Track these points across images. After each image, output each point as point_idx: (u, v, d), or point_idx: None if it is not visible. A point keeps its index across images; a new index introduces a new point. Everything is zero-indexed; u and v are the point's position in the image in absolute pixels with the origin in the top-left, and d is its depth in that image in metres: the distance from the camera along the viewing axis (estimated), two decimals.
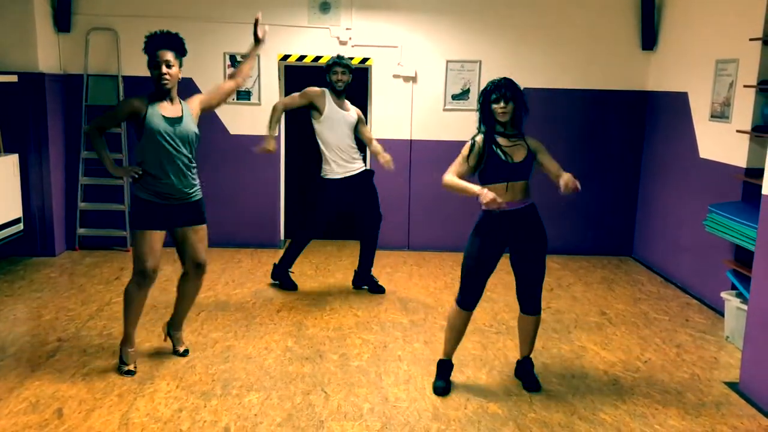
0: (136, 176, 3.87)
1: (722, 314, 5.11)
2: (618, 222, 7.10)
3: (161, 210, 3.94)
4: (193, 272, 4.18)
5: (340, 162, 5.39)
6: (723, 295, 4.89)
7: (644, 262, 6.84)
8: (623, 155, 6.97)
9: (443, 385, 3.95)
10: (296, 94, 5.42)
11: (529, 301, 3.93)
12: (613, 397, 3.91)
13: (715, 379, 4.21)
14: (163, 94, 3.93)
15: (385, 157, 5.38)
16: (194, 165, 4.05)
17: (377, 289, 5.70)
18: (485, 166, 3.79)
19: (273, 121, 5.39)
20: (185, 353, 4.29)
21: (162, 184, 3.90)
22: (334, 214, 5.56)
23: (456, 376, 4.10)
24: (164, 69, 3.86)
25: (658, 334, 4.92)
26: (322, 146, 5.41)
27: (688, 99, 6.02)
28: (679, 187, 6.16)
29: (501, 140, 3.81)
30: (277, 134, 5.47)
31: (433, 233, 7.04)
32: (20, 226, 6.19)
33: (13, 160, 6.08)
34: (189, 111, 4.03)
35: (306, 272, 6.19)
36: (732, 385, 4.10)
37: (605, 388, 4.01)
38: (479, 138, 3.83)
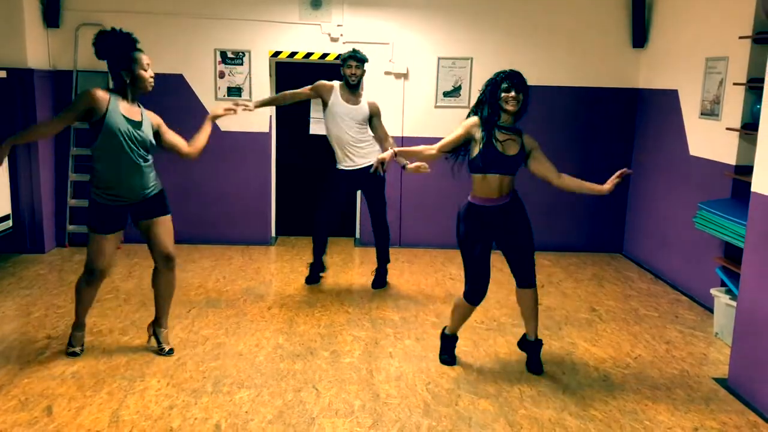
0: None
1: (711, 311, 5.15)
2: (608, 219, 7.12)
3: (116, 212, 3.96)
4: (162, 265, 4.15)
5: (340, 154, 5.51)
6: (712, 291, 4.92)
7: (634, 259, 6.87)
8: (613, 152, 6.99)
9: (448, 357, 4.24)
10: (307, 87, 5.53)
11: (524, 274, 4.07)
12: (603, 393, 3.93)
13: (704, 375, 4.23)
14: (132, 96, 3.90)
15: (413, 166, 4.64)
16: (150, 163, 4.00)
17: (379, 283, 5.77)
18: (481, 154, 3.83)
19: (267, 100, 5.54)
20: (170, 352, 4.24)
21: (118, 188, 3.90)
22: (335, 204, 5.62)
23: (447, 373, 4.11)
24: (150, 73, 3.90)
25: (647, 331, 4.95)
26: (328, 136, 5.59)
27: (678, 96, 6.04)
28: (669, 184, 6.18)
29: (501, 133, 3.86)
30: (257, 107, 5.42)
31: (425, 230, 7.05)
32: (9, 223, 6.15)
33: None
34: (147, 117, 3.98)
35: (297, 269, 6.19)
36: (721, 381, 4.12)
37: (595, 385, 4.03)
38: (473, 121, 3.91)
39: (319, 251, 5.80)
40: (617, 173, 3.79)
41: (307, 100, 5.62)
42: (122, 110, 3.81)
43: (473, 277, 4.01)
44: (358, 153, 5.47)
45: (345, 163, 5.50)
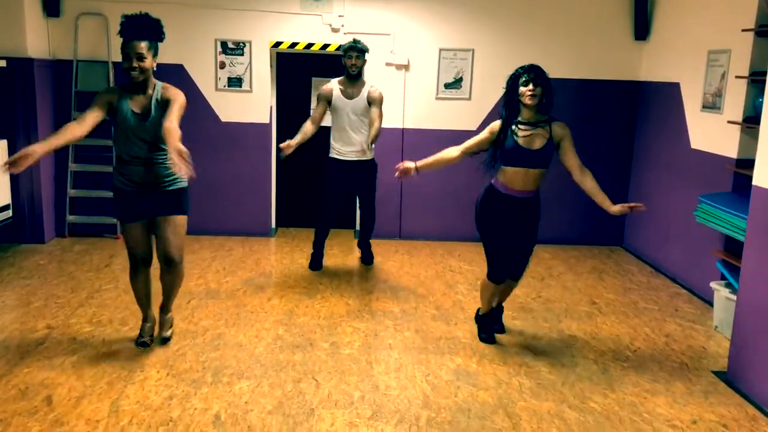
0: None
1: (711, 304, 5.15)
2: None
3: (135, 199, 3.93)
4: (162, 266, 4.05)
5: (335, 144, 5.64)
6: (712, 285, 4.92)
7: (634, 252, 6.86)
8: (615, 145, 6.98)
9: (486, 336, 4.45)
10: (314, 105, 5.71)
11: (514, 271, 4.26)
12: (603, 385, 3.93)
13: (704, 368, 4.24)
14: (136, 86, 3.82)
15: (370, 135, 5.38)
16: (163, 155, 3.87)
17: (367, 259, 6.08)
18: (503, 149, 3.96)
19: (300, 139, 5.44)
20: (166, 340, 4.25)
21: (130, 170, 3.88)
22: (334, 195, 5.72)
23: (446, 365, 4.11)
24: (135, 63, 3.71)
25: (647, 324, 4.95)
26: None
27: (680, 89, 6.02)
28: (670, 177, 6.17)
29: (521, 127, 3.95)
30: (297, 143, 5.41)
31: (425, 222, 7.04)
32: (9, 213, 6.15)
33: (1, 146, 6.02)
34: (157, 103, 3.83)
35: (297, 261, 6.19)
36: (720, 374, 4.13)
37: (595, 377, 4.04)
38: (498, 123, 4.04)
39: (320, 245, 5.94)
40: (632, 204, 3.87)
41: (325, 110, 5.61)
42: (131, 104, 3.81)
43: (492, 258, 4.21)
44: (352, 143, 5.56)
45: (340, 154, 5.61)
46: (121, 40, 3.75)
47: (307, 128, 5.51)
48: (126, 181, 3.92)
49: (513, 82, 3.94)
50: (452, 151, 4.21)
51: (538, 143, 3.95)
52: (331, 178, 5.67)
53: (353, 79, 5.50)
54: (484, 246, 4.25)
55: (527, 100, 3.89)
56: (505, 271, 4.24)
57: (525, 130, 3.95)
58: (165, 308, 4.30)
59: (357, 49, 5.41)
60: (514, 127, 3.97)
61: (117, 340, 4.28)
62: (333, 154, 5.66)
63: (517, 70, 3.96)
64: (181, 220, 4.02)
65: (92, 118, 3.70)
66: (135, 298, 4.26)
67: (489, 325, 4.51)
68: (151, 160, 3.88)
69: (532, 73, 3.88)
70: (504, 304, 4.70)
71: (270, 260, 6.23)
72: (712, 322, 4.96)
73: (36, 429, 3.24)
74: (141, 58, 3.71)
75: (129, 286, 4.29)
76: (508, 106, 3.99)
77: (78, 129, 3.64)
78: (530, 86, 3.86)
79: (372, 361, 4.15)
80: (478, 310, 4.60)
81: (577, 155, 4.06)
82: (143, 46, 3.71)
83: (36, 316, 4.65)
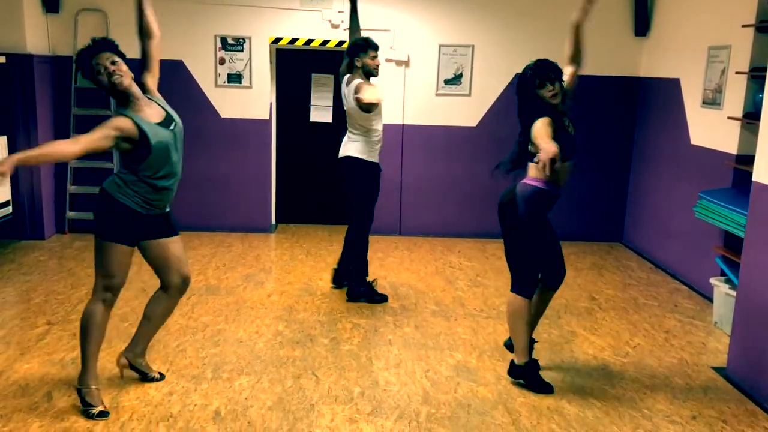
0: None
1: (711, 300, 5.15)
2: (608, 208, 7.11)
3: (140, 222, 3.37)
4: (178, 287, 3.59)
5: (375, 148, 5.00)
6: (712, 281, 4.92)
7: (634, 248, 6.87)
8: (614, 141, 6.97)
9: (544, 384, 3.76)
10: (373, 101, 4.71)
11: (558, 275, 3.89)
12: (602, 381, 3.93)
13: (703, 364, 4.24)
14: (125, 100, 3.29)
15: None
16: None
17: (374, 297, 5.12)
18: (558, 142, 3.38)
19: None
20: (163, 377, 3.76)
21: (164, 195, 3.40)
22: (375, 200, 5.13)
23: (446, 361, 4.12)
24: (111, 67, 3.24)
25: (647, 320, 4.95)
26: None
27: (680, 85, 6.02)
28: (670, 173, 6.17)
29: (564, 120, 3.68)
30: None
31: (425, 219, 7.04)
32: (9, 209, 6.15)
33: (1, 142, 6.02)
34: (163, 102, 3.46)
35: (297, 257, 6.19)
36: (719, 370, 4.13)
37: (594, 373, 4.04)
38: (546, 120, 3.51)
39: (363, 265, 5.13)
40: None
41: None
42: (149, 119, 3.31)
43: (535, 268, 3.75)
44: (346, 139, 5.04)
45: (375, 158, 5.00)
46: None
47: None
48: (149, 207, 3.38)
49: (528, 89, 3.61)
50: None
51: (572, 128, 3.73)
52: (375, 183, 5.01)
53: (368, 77, 4.89)
54: (526, 257, 3.71)
55: (553, 101, 3.59)
56: (549, 278, 3.85)
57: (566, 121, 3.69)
58: (143, 351, 3.70)
59: (377, 47, 4.90)
60: (566, 120, 3.68)
61: (116, 336, 4.27)
62: (372, 159, 4.94)
63: (526, 72, 3.64)
64: (181, 240, 3.65)
65: (90, 143, 3.15)
66: (89, 346, 3.37)
67: (537, 370, 3.79)
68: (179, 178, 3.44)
69: (544, 70, 3.60)
70: (502, 299, 4.67)
71: (270, 256, 6.23)
72: (712, 318, 4.96)
73: (36, 425, 3.25)
74: (114, 62, 3.26)
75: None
76: (538, 112, 3.53)
77: (68, 149, 3.14)
78: (548, 86, 3.57)
79: (372, 357, 4.15)
80: (512, 364, 3.82)
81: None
82: (109, 54, 3.28)
83: (36, 312, 4.65)
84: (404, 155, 6.92)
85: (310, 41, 6.69)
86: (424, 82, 6.83)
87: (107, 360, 3.93)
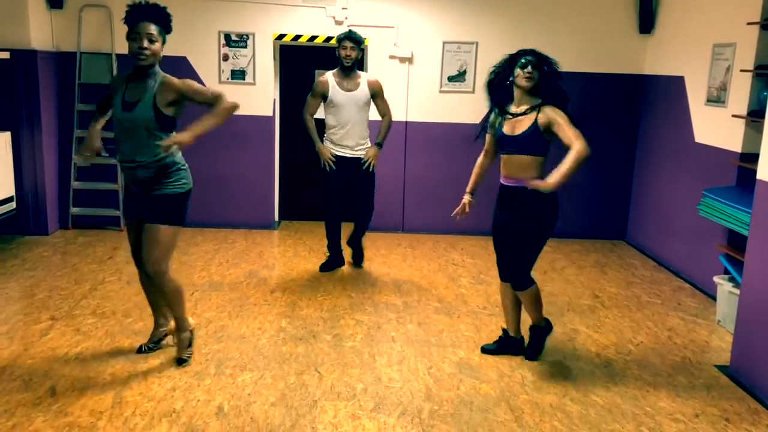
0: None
1: (714, 298, 5.14)
2: (612, 206, 7.10)
3: (132, 197, 3.72)
4: (148, 273, 3.71)
5: (335, 139, 5.41)
6: (715, 279, 4.91)
7: (637, 246, 6.86)
8: (618, 139, 6.96)
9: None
10: (309, 97, 5.42)
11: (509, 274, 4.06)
12: (605, 379, 3.93)
13: (706, 362, 4.24)
14: (139, 74, 3.52)
15: (368, 153, 5.46)
16: (156, 155, 3.53)
17: (357, 260, 5.86)
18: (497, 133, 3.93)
19: (312, 133, 5.43)
20: (182, 362, 3.88)
21: (126, 171, 3.66)
22: (339, 190, 5.52)
23: (449, 357, 4.12)
24: (145, 43, 3.42)
25: (650, 318, 4.95)
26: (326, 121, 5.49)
27: (685, 83, 6.00)
28: (674, 171, 6.16)
29: (511, 110, 3.88)
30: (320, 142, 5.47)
31: (428, 216, 7.04)
32: (13, 205, 6.16)
33: (5, 138, 6.03)
34: (152, 94, 3.51)
35: (300, 253, 6.19)
36: (722, 368, 4.13)
37: (597, 371, 4.04)
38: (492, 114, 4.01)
39: (334, 242, 5.73)
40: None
41: (320, 104, 5.42)
42: (125, 92, 3.55)
43: (532, 265, 4.10)
44: (354, 140, 5.40)
45: (341, 150, 5.41)
46: (125, 30, 3.50)
47: (313, 124, 5.42)
48: (129, 183, 3.72)
49: (506, 69, 3.84)
50: (482, 162, 4.14)
51: (520, 128, 3.80)
52: (333, 173, 5.43)
53: (348, 71, 5.29)
54: (537, 249, 4.05)
55: (521, 83, 3.76)
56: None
57: (513, 112, 3.84)
58: (175, 323, 3.94)
59: (352, 39, 5.21)
60: (506, 111, 3.90)
61: (120, 332, 4.29)
62: (337, 152, 5.41)
63: (518, 51, 3.84)
64: (163, 231, 3.60)
65: (106, 101, 3.79)
66: (184, 305, 3.92)
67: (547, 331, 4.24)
68: (141, 155, 3.54)
69: (528, 55, 3.76)
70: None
71: (273, 253, 6.24)
72: (715, 316, 4.95)
73: (40, 419, 3.26)
74: (151, 40, 3.45)
75: (132, 278, 4.27)
76: (495, 93, 3.94)
77: (99, 112, 3.84)
78: (528, 68, 3.73)
79: (375, 353, 4.16)
80: (533, 329, 4.16)
81: (571, 129, 3.74)
82: (153, 28, 3.47)
83: (40, 308, 4.66)
84: (407, 152, 6.91)
85: (313, 38, 6.68)
86: (428, 79, 6.82)
87: (110, 356, 3.94)
